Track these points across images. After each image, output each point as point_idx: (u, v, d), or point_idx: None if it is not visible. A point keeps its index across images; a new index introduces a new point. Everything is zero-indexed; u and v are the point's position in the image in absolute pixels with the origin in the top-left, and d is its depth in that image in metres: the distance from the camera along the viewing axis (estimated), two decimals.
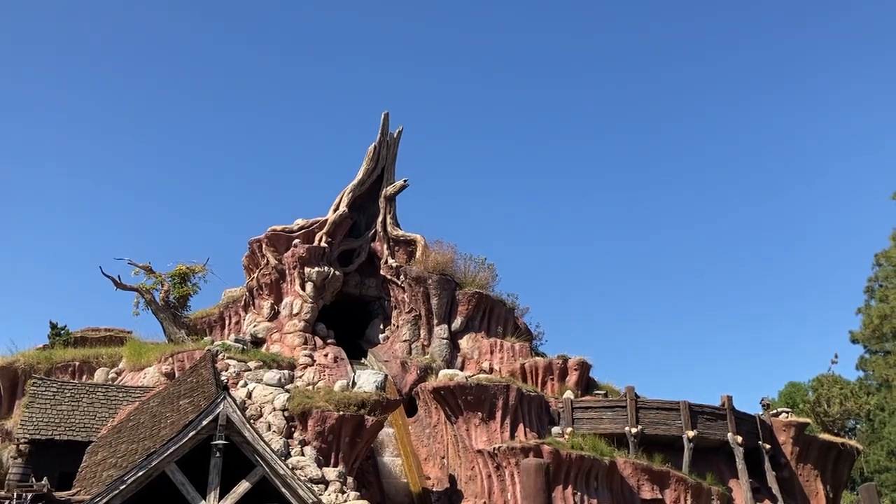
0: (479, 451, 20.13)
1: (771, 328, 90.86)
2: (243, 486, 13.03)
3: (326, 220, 27.33)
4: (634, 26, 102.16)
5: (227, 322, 27.46)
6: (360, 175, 28.61)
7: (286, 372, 21.64)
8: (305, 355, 23.67)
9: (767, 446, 22.38)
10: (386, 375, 22.68)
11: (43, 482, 12.84)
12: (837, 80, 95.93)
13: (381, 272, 27.52)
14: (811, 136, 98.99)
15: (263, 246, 27.13)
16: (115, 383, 22.04)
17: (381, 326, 27.16)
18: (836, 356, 34.92)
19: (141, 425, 15.42)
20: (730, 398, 22.28)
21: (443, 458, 21.60)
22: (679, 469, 20.43)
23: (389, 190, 28.73)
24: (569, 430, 21.08)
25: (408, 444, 21.85)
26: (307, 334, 24.87)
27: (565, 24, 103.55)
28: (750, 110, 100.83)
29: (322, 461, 18.27)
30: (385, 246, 27.85)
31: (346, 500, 17.52)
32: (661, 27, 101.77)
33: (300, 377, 22.44)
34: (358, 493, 18.03)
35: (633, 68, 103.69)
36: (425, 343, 25.65)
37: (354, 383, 21.17)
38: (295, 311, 25.42)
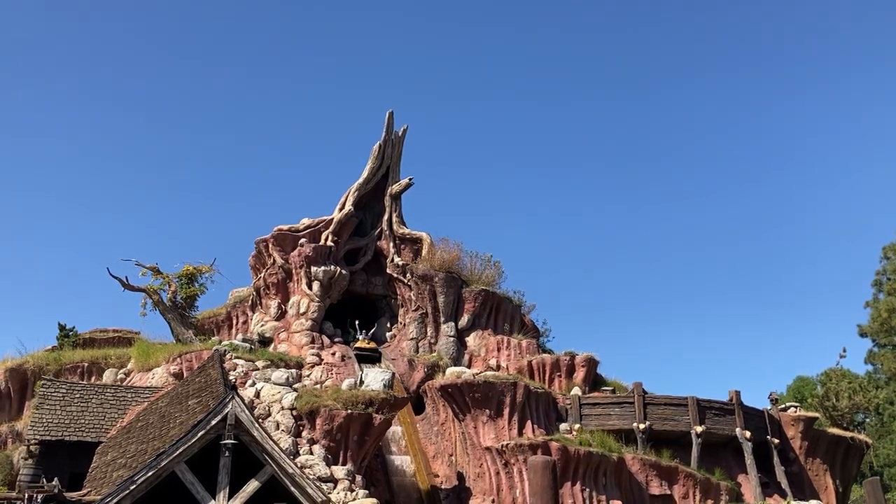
0: (487, 449, 20.16)
1: (779, 322, 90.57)
2: (252, 486, 13.08)
3: (332, 219, 27.38)
4: (645, 25, 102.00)
5: (234, 322, 27.56)
6: (365, 174, 28.62)
7: (294, 371, 21.71)
8: (313, 354, 23.74)
9: (776, 441, 22.35)
10: (393, 374, 22.73)
11: (53, 483, 12.92)
12: (847, 73, 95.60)
13: (388, 270, 27.56)
14: (818, 130, 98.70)
15: (270, 246, 27.20)
16: (124, 384, 22.13)
17: (388, 325, 27.21)
18: (844, 350, 34.88)
19: (150, 425, 15.49)
20: (738, 393, 22.26)
21: (451, 455, 21.63)
22: (688, 464, 20.43)
23: (395, 188, 28.75)
24: (577, 426, 21.09)
25: (416, 441, 21.89)
26: (314, 333, 24.94)
27: (574, 19, 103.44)
28: (758, 104, 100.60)
29: (330, 460, 18.33)
30: (391, 244, 27.88)
31: (354, 499, 17.56)
32: (669, 28, 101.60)
33: (308, 376, 22.51)
34: (367, 492, 18.08)
35: (641, 67, 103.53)
36: (432, 341, 25.68)
37: (362, 382, 21.23)
38: (302, 311, 25.49)
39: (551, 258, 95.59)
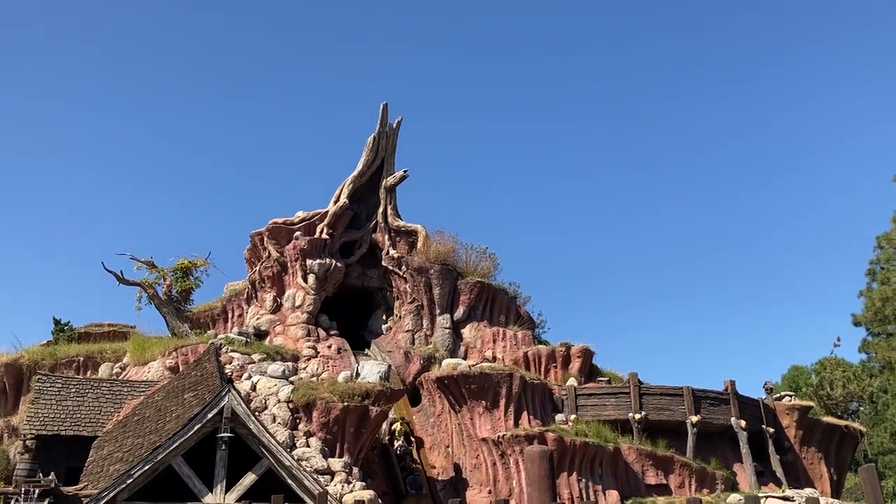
0: (484, 440, 20.20)
1: (773, 312, 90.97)
2: (249, 478, 13.10)
3: (327, 212, 27.32)
4: (644, 19, 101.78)
5: (229, 315, 27.51)
6: (359, 166, 28.55)
7: (290, 364, 21.70)
8: (309, 347, 23.73)
9: (771, 430, 22.43)
10: (389, 366, 22.73)
11: (50, 477, 12.95)
12: (843, 59, 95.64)
13: (383, 263, 27.53)
14: (812, 117, 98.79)
15: (265, 239, 27.14)
16: (120, 378, 22.10)
17: (384, 317, 27.20)
18: (838, 339, 34.99)
19: (146, 419, 15.49)
20: (733, 383, 22.30)
21: (447, 446, 21.67)
22: (683, 454, 20.49)
23: (389, 181, 28.69)
24: (573, 417, 21.13)
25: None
26: (310, 326, 24.92)
27: (570, 9, 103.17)
28: (751, 90, 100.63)
29: (327, 452, 18.34)
30: (386, 237, 27.84)
31: (352, 490, 17.58)
32: (669, 23, 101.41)
33: (304, 369, 22.50)
34: (364, 483, 18.10)
35: (634, 54, 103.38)
36: (428, 333, 25.68)
37: (358, 374, 21.22)
38: (297, 304, 25.46)
39: (547, 250, 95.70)
